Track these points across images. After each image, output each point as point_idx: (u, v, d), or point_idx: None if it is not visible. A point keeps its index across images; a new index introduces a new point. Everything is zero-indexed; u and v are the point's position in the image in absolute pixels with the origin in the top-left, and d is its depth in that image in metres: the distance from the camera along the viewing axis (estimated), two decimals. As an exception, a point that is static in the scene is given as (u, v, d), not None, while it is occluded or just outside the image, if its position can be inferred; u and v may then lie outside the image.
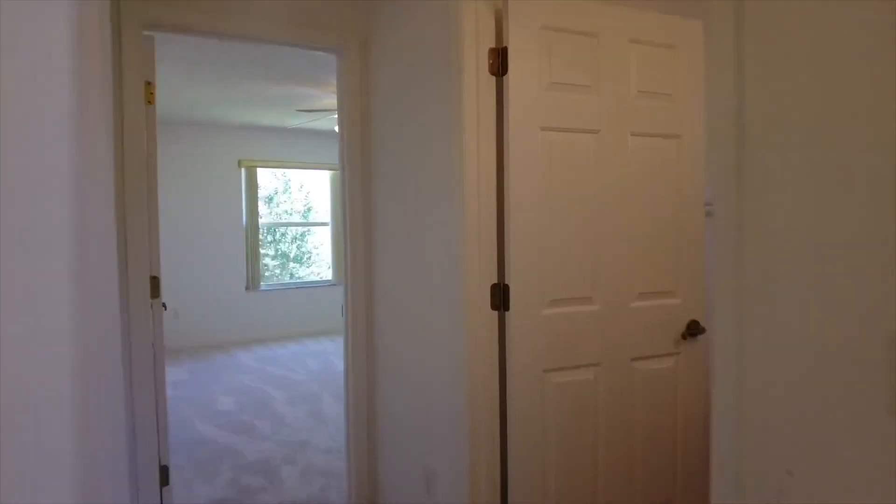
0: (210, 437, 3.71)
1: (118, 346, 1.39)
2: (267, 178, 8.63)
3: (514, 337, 1.85)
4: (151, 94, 2.23)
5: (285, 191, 9.18)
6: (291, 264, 9.27)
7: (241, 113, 5.79)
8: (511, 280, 1.84)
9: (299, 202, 9.29)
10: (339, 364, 5.58)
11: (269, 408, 4.30)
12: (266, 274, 8.73)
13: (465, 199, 1.86)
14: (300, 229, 9.29)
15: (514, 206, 1.84)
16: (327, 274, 9.39)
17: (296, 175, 8.81)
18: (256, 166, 6.90)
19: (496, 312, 1.90)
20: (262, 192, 8.47)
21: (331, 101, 5.06)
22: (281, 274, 9.13)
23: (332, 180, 7.42)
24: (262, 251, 8.65)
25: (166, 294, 6.44)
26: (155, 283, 2.26)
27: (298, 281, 7.74)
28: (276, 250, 9.18)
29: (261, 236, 8.58)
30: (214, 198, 6.68)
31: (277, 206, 9.11)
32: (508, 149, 1.83)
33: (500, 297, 1.89)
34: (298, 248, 9.50)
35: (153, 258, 2.27)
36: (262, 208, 8.33)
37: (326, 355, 5.98)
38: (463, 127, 1.85)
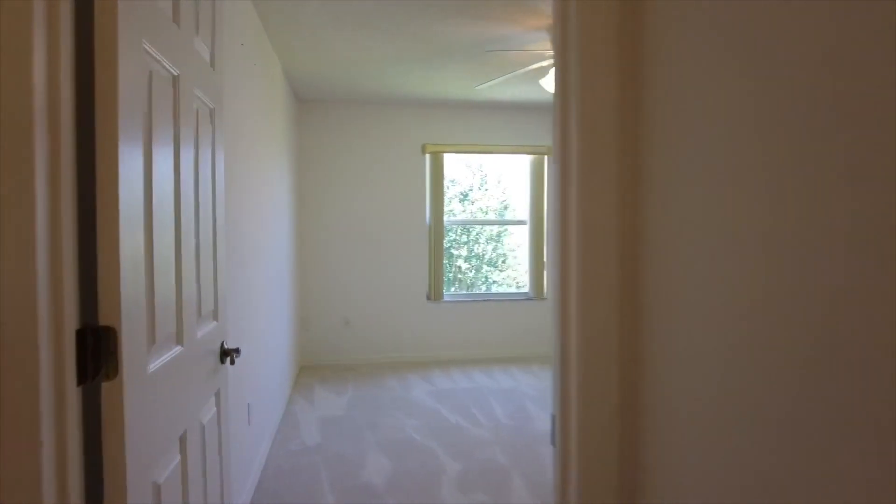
0: (337, 543, 2.43)
1: None
2: (460, 171, 7.53)
3: None
4: None
5: (481, 186, 8.03)
6: (486, 268, 8.12)
7: (421, 80, 4.56)
8: None
9: (495, 199, 8.07)
10: (538, 416, 4.00)
11: (431, 493, 2.91)
12: (459, 276, 7.66)
13: None
14: (497, 228, 8.06)
15: None
16: (523, 280, 8.05)
17: (490, 163, 7.56)
18: (443, 151, 5.68)
19: None
20: (456, 189, 7.40)
21: (539, 42, 3.53)
22: (475, 277, 8.01)
23: (533, 167, 5.89)
24: (455, 252, 7.59)
25: (338, 299, 5.55)
26: (99, 339, 0.94)
27: (488, 293, 6.38)
28: (470, 251, 8.09)
29: (454, 236, 7.52)
30: (395, 190, 5.62)
31: (472, 203, 8.00)
32: None
33: None
34: (494, 249, 8.31)
35: (108, 289, 0.95)
36: (456, 206, 7.25)
37: (519, 396, 4.47)
38: None
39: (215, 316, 1.68)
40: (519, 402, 4.33)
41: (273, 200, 3.86)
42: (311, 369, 5.32)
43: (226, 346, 1.74)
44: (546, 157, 5.84)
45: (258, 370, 3.18)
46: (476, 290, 7.67)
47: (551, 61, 3.49)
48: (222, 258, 1.74)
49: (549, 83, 3.43)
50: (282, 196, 4.30)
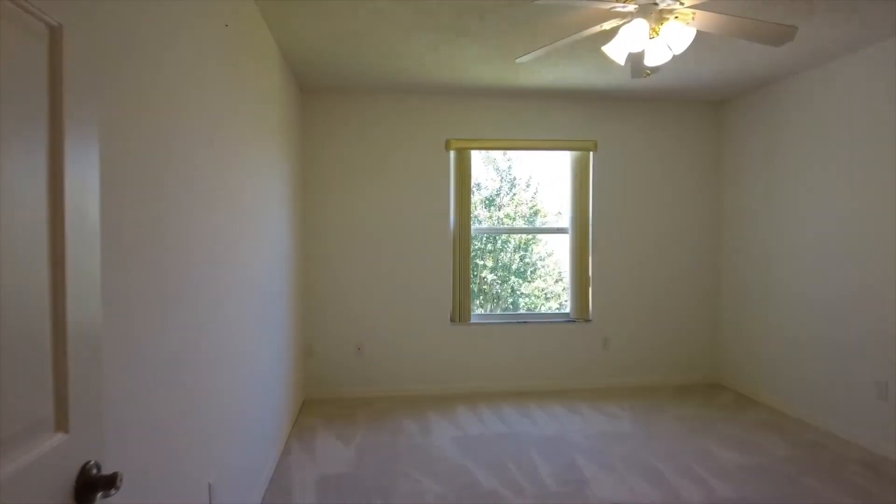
0: None
1: None
2: (483, 173, 6.75)
3: None
4: None
5: (510, 190, 7.23)
6: (513, 279, 7.31)
7: (447, 57, 3.77)
8: None
9: (525, 204, 7.26)
10: (594, 478, 3.02)
11: None
12: (484, 288, 6.89)
13: None
14: (524, 236, 7.24)
15: None
16: (552, 291, 7.19)
17: (519, 165, 6.74)
18: (469, 147, 4.87)
19: None
20: (481, 193, 6.64)
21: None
22: (501, 289, 7.20)
23: (577, 164, 5.04)
24: (479, 262, 6.81)
25: (348, 322, 4.70)
26: None
27: (522, 314, 5.54)
28: (496, 261, 7.29)
29: (479, 244, 6.75)
30: (414, 193, 4.82)
31: (499, 209, 7.19)
32: None
33: None
34: (522, 259, 7.50)
35: None
36: (481, 212, 6.48)
37: (567, 447, 3.62)
38: None
39: (62, 425, 0.88)
40: (567, 457, 3.48)
41: (263, 207, 3.09)
42: (316, 404, 4.53)
43: (94, 472, 0.95)
44: (592, 153, 4.99)
45: (230, 431, 2.39)
46: (502, 303, 6.87)
47: (617, 22, 2.66)
48: (89, 315, 0.94)
49: (613, 50, 2.60)
50: (277, 202, 3.54)
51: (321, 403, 4.54)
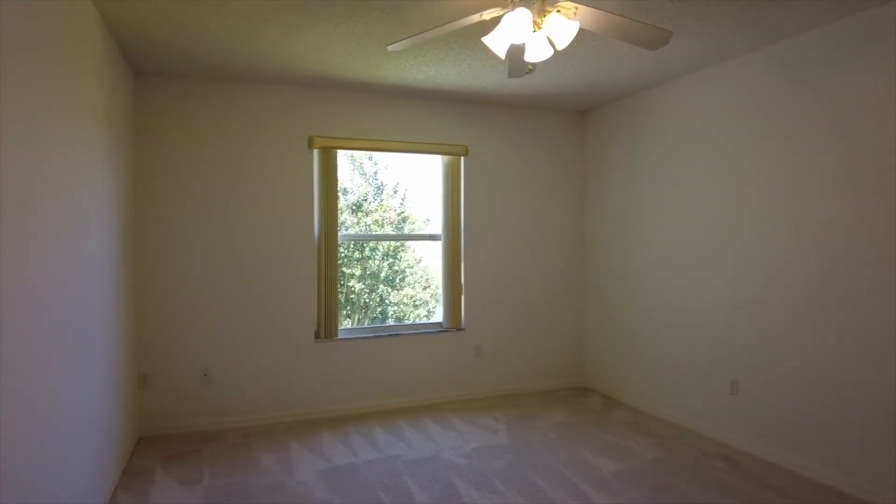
0: None
1: None
2: (349, 177, 6.36)
3: None
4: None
5: (377, 195, 6.91)
6: (382, 287, 6.99)
7: (310, 43, 3.37)
8: None
9: (393, 210, 6.98)
10: (472, 503, 2.87)
11: None
12: (352, 298, 6.49)
13: None
14: (393, 243, 6.96)
15: None
16: (421, 298, 7.00)
17: (387, 169, 6.46)
18: (335, 147, 4.47)
19: None
20: (349, 198, 6.24)
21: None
22: (369, 298, 6.84)
23: (448, 170, 4.87)
24: (347, 270, 6.40)
25: (193, 344, 3.94)
26: None
27: (393, 325, 5.20)
28: (364, 269, 6.92)
29: (346, 252, 6.34)
30: (272, 195, 4.31)
31: (367, 215, 6.84)
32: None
33: None
34: (391, 266, 7.20)
35: None
36: (348, 217, 6.08)
37: (444, 469, 3.36)
38: None
39: None
40: (445, 480, 3.22)
41: (68, 207, 2.46)
42: (154, 442, 3.83)
43: None
44: (463, 158, 4.85)
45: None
46: (371, 313, 6.54)
47: (498, 11, 2.47)
48: None
49: (494, 40, 2.40)
50: (95, 202, 2.88)
51: (160, 441, 3.86)
